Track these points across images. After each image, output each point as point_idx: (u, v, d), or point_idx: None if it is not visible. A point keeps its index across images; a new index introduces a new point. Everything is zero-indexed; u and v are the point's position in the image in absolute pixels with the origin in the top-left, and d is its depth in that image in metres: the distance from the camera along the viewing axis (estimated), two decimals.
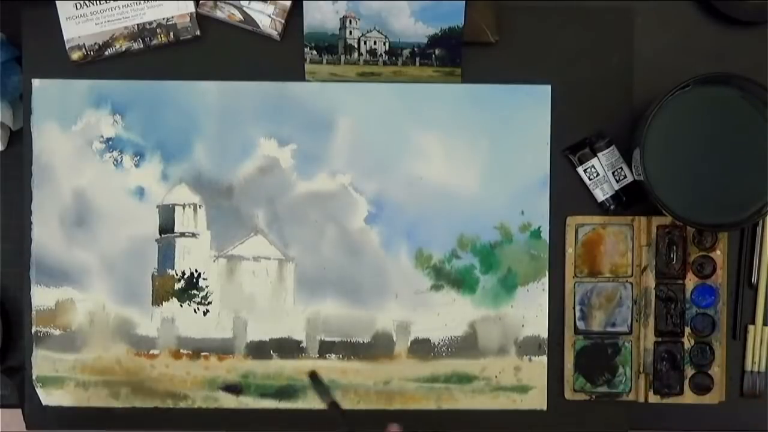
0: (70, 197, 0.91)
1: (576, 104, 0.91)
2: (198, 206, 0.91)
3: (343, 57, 0.89)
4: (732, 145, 0.84)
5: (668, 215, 0.83)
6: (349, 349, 0.91)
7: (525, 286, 0.91)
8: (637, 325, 0.91)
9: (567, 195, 0.91)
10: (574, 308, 0.91)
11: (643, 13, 0.91)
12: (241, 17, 0.89)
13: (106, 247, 0.91)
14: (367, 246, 0.91)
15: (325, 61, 0.90)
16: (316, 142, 0.91)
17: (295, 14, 0.89)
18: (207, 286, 0.91)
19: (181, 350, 0.91)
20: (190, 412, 0.91)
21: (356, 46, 0.89)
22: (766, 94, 0.82)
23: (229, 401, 0.91)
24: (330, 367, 0.91)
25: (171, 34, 0.89)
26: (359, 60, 0.89)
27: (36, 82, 0.90)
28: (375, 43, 0.88)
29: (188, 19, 0.89)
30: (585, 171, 0.90)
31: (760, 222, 0.91)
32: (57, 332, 0.91)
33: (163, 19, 0.89)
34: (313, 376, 0.86)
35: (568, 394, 0.91)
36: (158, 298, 0.91)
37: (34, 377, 0.91)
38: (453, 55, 0.89)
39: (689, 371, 0.90)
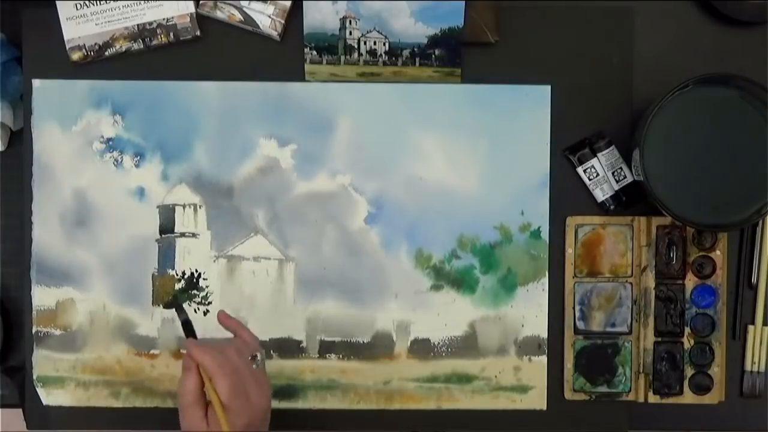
0: (71, 197, 0.91)
1: (576, 104, 0.91)
2: (198, 206, 0.91)
3: (343, 57, 0.89)
4: (732, 145, 0.84)
5: (668, 215, 0.83)
6: (349, 349, 0.91)
7: (525, 286, 0.91)
8: (636, 325, 0.91)
9: (567, 195, 0.91)
10: (573, 308, 0.91)
11: (643, 13, 0.91)
12: (241, 17, 0.89)
13: (106, 247, 0.91)
14: (367, 246, 0.91)
15: (325, 61, 0.90)
16: (316, 142, 0.91)
17: (295, 14, 0.89)
18: (207, 286, 0.91)
19: (182, 350, 0.91)
20: None
21: (356, 46, 0.89)
22: (766, 94, 0.82)
23: None
24: (330, 367, 0.91)
25: (171, 34, 0.90)
26: (359, 60, 0.90)
27: (36, 83, 0.90)
28: (375, 43, 0.88)
29: (188, 19, 0.89)
30: (585, 171, 0.90)
31: (760, 222, 0.91)
32: (57, 332, 0.91)
33: (163, 19, 0.89)
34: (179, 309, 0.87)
35: (568, 394, 0.91)
36: (158, 298, 0.91)
37: (34, 377, 0.91)
38: (453, 56, 0.89)
39: (689, 371, 0.90)
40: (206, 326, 0.91)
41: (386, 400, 0.91)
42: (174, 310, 0.90)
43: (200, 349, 0.77)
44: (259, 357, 0.80)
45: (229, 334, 0.84)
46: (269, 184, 0.91)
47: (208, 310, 0.91)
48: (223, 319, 0.84)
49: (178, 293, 0.91)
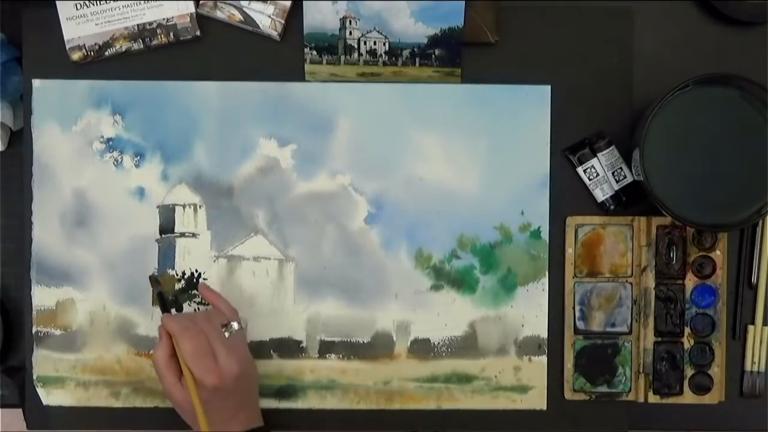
0: (71, 197, 0.91)
1: (576, 104, 0.91)
2: (198, 206, 0.91)
3: (343, 57, 0.89)
4: (732, 145, 0.84)
5: (668, 215, 0.84)
6: (349, 349, 0.91)
7: (525, 286, 0.91)
8: (636, 325, 0.91)
9: (567, 195, 0.91)
10: (573, 308, 0.91)
11: (643, 13, 0.91)
12: (241, 17, 0.89)
13: (106, 247, 0.91)
14: (367, 246, 0.91)
15: (325, 61, 0.90)
16: (316, 142, 0.91)
17: (295, 14, 0.89)
18: None
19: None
20: None
21: (356, 46, 0.89)
22: (766, 94, 0.82)
23: None
24: (330, 367, 0.91)
25: (171, 34, 0.90)
26: (359, 60, 0.90)
27: (36, 83, 0.90)
28: (375, 43, 0.89)
29: (188, 19, 0.89)
30: (585, 171, 0.90)
31: (760, 222, 0.91)
32: (57, 332, 0.91)
33: (163, 19, 0.89)
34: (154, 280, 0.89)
35: (568, 394, 0.91)
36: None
37: (34, 377, 0.91)
38: (453, 56, 0.89)
39: (689, 371, 0.90)
40: None
41: (386, 400, 0.91)
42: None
43: (169, 317, 0.84)
44: (234, 326, 0.83)
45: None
46: (269, 184, 0.91)
47: (207, 310, 0.91)
48: (203, 291, 0.88)
49: (178, 293, 0.91)
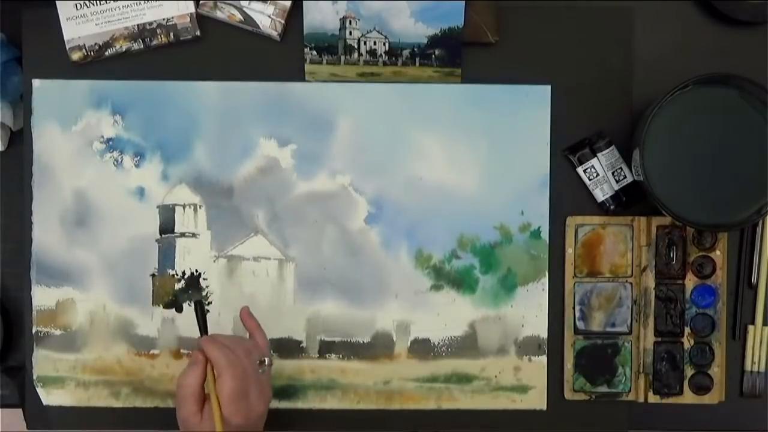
0: (71, 197, 0.91)
1: (576, 104, 0.91)
2: (198, 206, 0.91)
3: (343, 57, 0.89)
4: (732, 145, 0.84)
5: (668, 215, 0.84)
6: (349, 349, 0.91)
7: (525, 286, 0.91)
8: (636, 325, 0.91)
9: (567, 195, 0.91)
10: (573, 308, 0.91)
11: (643, 13, 0.91)
12: (241, 18, 0.89)
13: (106, 247, 0.91)
14: (367, 246, 0.91)
15: (325, 61, 0.90)
16: (316, 142, 0.91)
17: (295, 14, 0.90)
18: (207, 286, 0.91)
19: (182, 350, 0.91)
20: None
21: (356, 46, 0.89)
22: (766, 94, 0.82)
23: None
24: (330, 367, 0.91)
25: (171, 34, 0.90)
26: (359, 60, 0.90)
27: (36, 83, 0.90)
28: (375, 43, 0.89)
29: (188, 19, 0.89)
30: (585, 171, 0.90)
31: (760, 222, 0.91)
32: (57, 332, 0.91)
33: (164, 19, 0.89)
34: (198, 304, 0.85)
35: (568, 394, 0.91)
36: (158, 298, 0.91)
37: (34, 377, 0.91)
38: (453, 56, 0.89)
39: (689, 371, 0.90)
40: None
41: (386, 400, 0.91)
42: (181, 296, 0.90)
43: (214, 344, 0.78)
44: (267, 362, 0.81)
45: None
46: (269, 184, 0.91)
47: (208, 310, 0.91)
48: (245, 317, 0.85)
49: (178, 293, 0.91)
